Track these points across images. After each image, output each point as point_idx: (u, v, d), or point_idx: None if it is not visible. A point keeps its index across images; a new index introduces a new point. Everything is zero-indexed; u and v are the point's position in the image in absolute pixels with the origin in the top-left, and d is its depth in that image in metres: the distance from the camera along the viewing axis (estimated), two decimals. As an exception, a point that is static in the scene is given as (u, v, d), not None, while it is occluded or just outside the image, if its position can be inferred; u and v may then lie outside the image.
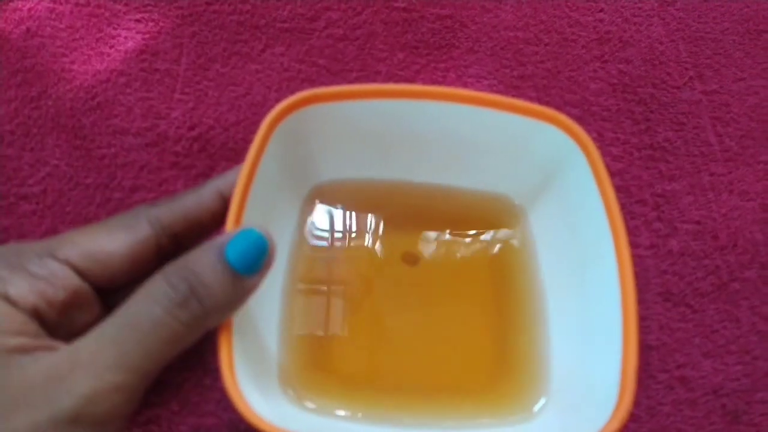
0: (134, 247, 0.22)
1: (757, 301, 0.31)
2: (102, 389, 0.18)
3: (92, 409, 0.18)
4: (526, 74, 0.37)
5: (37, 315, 0.20)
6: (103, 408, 0.18)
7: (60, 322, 0.21)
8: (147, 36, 0.36)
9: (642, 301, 0.31)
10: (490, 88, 0.36)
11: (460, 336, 0.27)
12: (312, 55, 0.36)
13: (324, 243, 0.28)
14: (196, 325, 0.20)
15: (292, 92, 0.25)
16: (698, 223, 0.33)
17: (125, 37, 0.36)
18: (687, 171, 0.35)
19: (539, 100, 0.36)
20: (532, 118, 0.26)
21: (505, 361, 0.26)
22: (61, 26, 0.35)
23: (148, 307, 0.19)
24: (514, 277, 0.28)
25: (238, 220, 0.22)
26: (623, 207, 0.26)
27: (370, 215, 0.29)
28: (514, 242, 0.29)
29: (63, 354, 0.19)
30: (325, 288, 0.28)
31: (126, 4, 0.37)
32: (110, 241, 0.22)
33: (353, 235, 0.29)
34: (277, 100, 0.24)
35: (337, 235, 0.29)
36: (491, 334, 0.27)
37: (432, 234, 0.29)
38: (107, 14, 0.36)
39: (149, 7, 0.37)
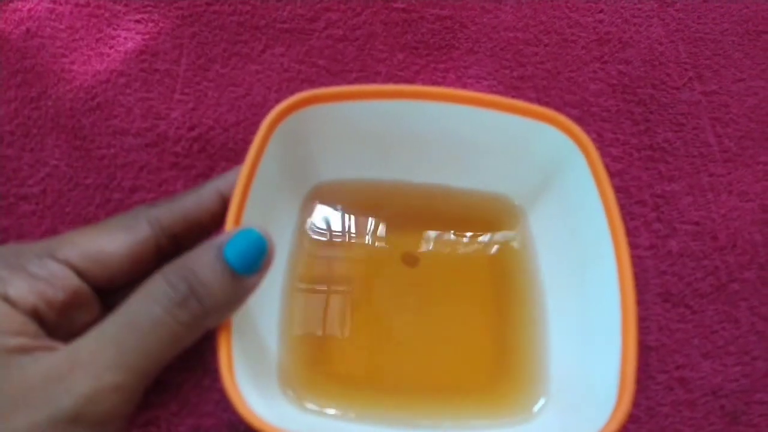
0: (134, 247, 0.22)
1: (756, 302, 0.31)
2: (101, 389, 0.18)
3: (92, 408, 0.18)
4: (526, 75, 0.37)
5: (36, 315, 0.20)
6: (102, 408, 0.18)
7: (59, 323, 0.21)
8: (147, 36, 0.36)
9: (641, 301, 0.31)
10: (490, 89, 0.36)
11: (460, 336, 0.27)
12: (312, 55, 0.36)
13: (323, 243, 0.28)
14: (195, 324, 0.20)
15: (292, 93, 0.25)
16: (697, 223, 0.33)
17: (125, 38, 0.36)
18: (686, 172, 0.35)
19: (539, 101, 0.36)
20: (531, 118, 0.26)
21: (504, 362, 0.26)
22: (61, 27, 0.36)
23: (148, 307, 0.19)
24: (513, 277, 0.28)
25: (237, 220, 0.22)
26: (623, 208, 0.26)
27: (369, 216, 0.29)
28: (514, 243, 0.29)
29: (62, 354, 0.19)
30: (325, 288, 0.28)
31: (126, 5, 0.37)
32: (110, 241, 0.22)
33: (353, 235, 0.29)
34: (277, 101, 0.24)
35: (337, 235, 0.29)
36: (491, 335, 0.27)
37: (432, 234, 0.29)
38: (107, 15, 0.36)
39: (149, 8, 0.37)
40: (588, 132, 0.25)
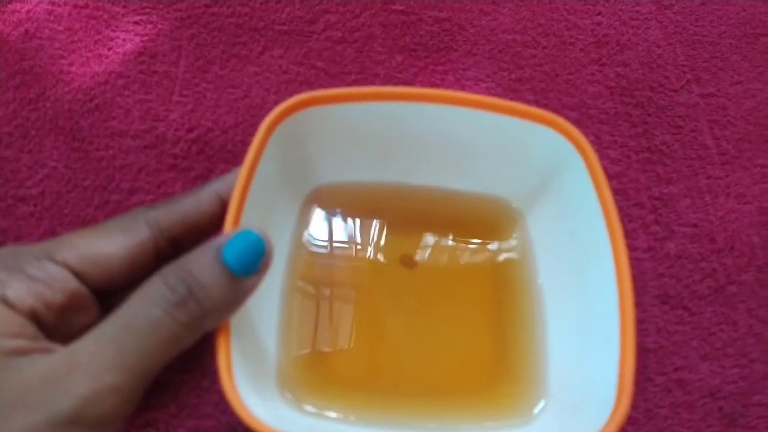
0: (132, 249, 0.22)
1: (753, 304, 0.31)
2: (100, 390, 0.18)
3: (90, 410, 0.18)
4: (524, 77, 0.37)
5: (34, 317, 0.20)
6: (101, 409, 0.18)
7: (58, 325, 0.21)
8: (145, 38, 0.36)
9: (639, 303, 0.31)
10: (488, 91, 0.36)
11: (459, 338, 0.27)
12: (310, 57, 0.36)
13: (322, 246, 0.28)
14: (194, 325, 0.20)
15: (291, 95, 0.25)
16: (695, 226, 0.33)
17: (124, 39, 0.36)
18: (684, 174, 0.35)
19: (537, 103, 0.36)
20: (529, 121, 0.26)
21: (504, 363, 0.26)
22: (60, 28, 0.35)
23: (147, 308, 0.19)
24: (512, 279, 0.28)
25: (236, 222, 0.22)
26: (621, 210, 0.26)
27: (368, 218, 0.29)
28: (512, 245, 0.29)
29: (61, 356, 0.19)
30: (324, 290, 0.28)
31: (124, 6, 0.37)
32: (108, 243, 0.22)
33: (352, 237, 0.29)
34: (276, 103, 0.24)
35: (336, 237, 0.29)
36: (490, 336, 0.27)
37: (430, 237, 0.29)
38: (106, 16, 0.36)
39: (148, 10, 0.37)
40: (586, 134, 0.25)
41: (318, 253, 0.28)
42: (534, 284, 0.28)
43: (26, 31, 0.35)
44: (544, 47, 0.38)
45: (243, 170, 0.23)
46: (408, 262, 0.28)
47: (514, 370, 0.26)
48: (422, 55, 0.37)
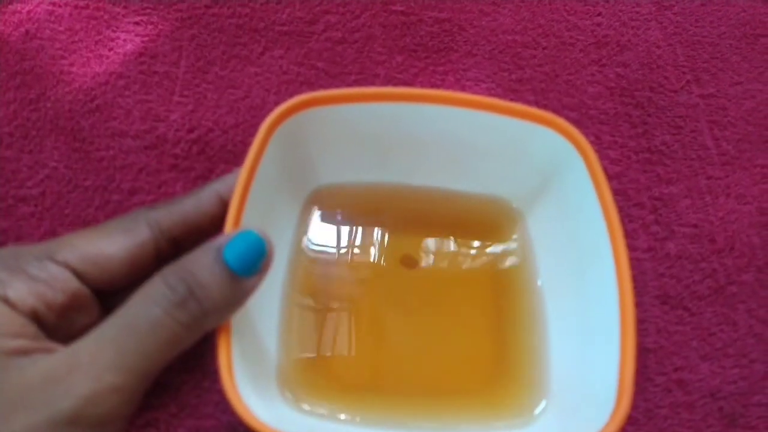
0: (133, 250, 0.22)
1: (753, 305, 0.31)
2: (101, 390, 0.18)
3: (91, 410, 0.18)
4: (525, 78, 0.37)
5: (36, 317, 0.20)
6: (102, 409, 0.18)
7: (59, 325, 0.21)
8: (146, 39, 0.36)
9: (639, 304, 0.31)
10: (489, 92, 0.36)
11: (460, 338, 0.27)
12: (311, 58, 0.36)
13: (323, 246, 0.28)
14: (194, 325, 0.20)
15: (291, 95, 0.25)
16: (695, 226, 0.33)
17: (124, 40, 0.36)
18: (684, 174, 0.35)
19: (537, 104, 0.36)
20: (530, 121, 0.26)
21: (505, 363, 0.26)
22: (60, 29, 0.36)
23: (147, 308, 0.19)
24: (512, 279, 0.28)
25: (237, 223, 0.22)
26: (621, 210, 0.26)
27: (369, 219, 0.29)
28: (513, 245, 0.29)
29: (62, 356, 0.19)
30: (324, 291, 0.28)
31: (125, 7, 0.37)
32: (109, 244, 0.22)
33: (352, 238, 0.29)
34: (276, 103, 0.24)
35: (337, 238, 0.29)
36: (491, 337, 0.27)
37: (431, 238, 0.29)
38: (106, 17, 0.36)
39: (148, 10, 0.37)
40: (586, 135, 0.25)
41: (319, 253, 0.28)
42: (534, 284, 0.28)
43: (27, 32, 0.35)
44: (544, 48, 0.38)
45: (243, 171, 0.23)
46: (408, 262, 0.28)
47: (515, 370, 0.26)
48: (422, 56, 0.37)
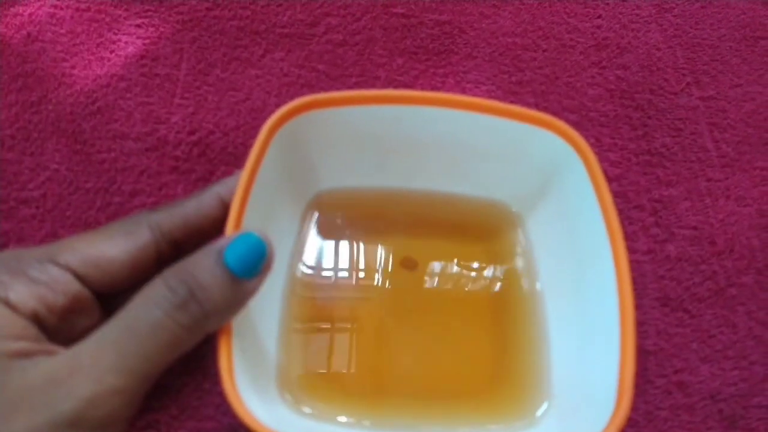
0: (134, 252, 0.22)
1: (753, 307, 0.31)
2: (102, 392, 0.18)
3: (92, 412, 0.18)
4: (525, 80, 0.37)
5: (37, 320, 0.20)
6: (103, 411, 0.19)
7: (60, 327, 0.21)
8: (147, 41, 0.36)
9: (639, 306, 0.31)
10: (489, 94, 0.36)
11: (461, 341, 0.27)
12: (311, 60, 0.36)
13: (324, 249, 0.28)
14: (195, 328, 0.20)
15: (292, 97, 0.25)
16: (695, 228, 0.33)
17: (126, 42, 0.36)
18: (684, 177, 0.35)
19: (537, 106, 0.36)
20: (530, 123, 0.26)
21: (506, 366, 0.26)
22: (62, 31, 0.36)
23: (148, 310, 0.19)
24: (512, 282, 0.28)
25: (237, 225, 0.22)
26: (621, 212, 0.26)
27: (369, 223, 0.29)
28: (513, 248, 0.29)
29: (63, 358, 0.19)
30: (325, 292, 0.28)
31: (126, 9, 0.37)
32: (110, 246, 0.22)
33: (353, 242, 0.29)
34: (277, 106, 0.24)
35: (337, 241, 0.29)
36: (491, 339, 0.27)
37: (431, 241, 0.29)
38: (108, 19, 0.36)
39: (150, 12, 0.37)
40: (586, 137, 0.26)
41: (319, 255, 0.28)
42: (534, 287, 0.28)
43: (28, 34, 0.35)
44: (544, 50, 0.38)
45: (244, 173, 0.23)
46: (408, 264, 0.28)
47: (516, 372, 0.26)
48: (423, 58, 0.37)
